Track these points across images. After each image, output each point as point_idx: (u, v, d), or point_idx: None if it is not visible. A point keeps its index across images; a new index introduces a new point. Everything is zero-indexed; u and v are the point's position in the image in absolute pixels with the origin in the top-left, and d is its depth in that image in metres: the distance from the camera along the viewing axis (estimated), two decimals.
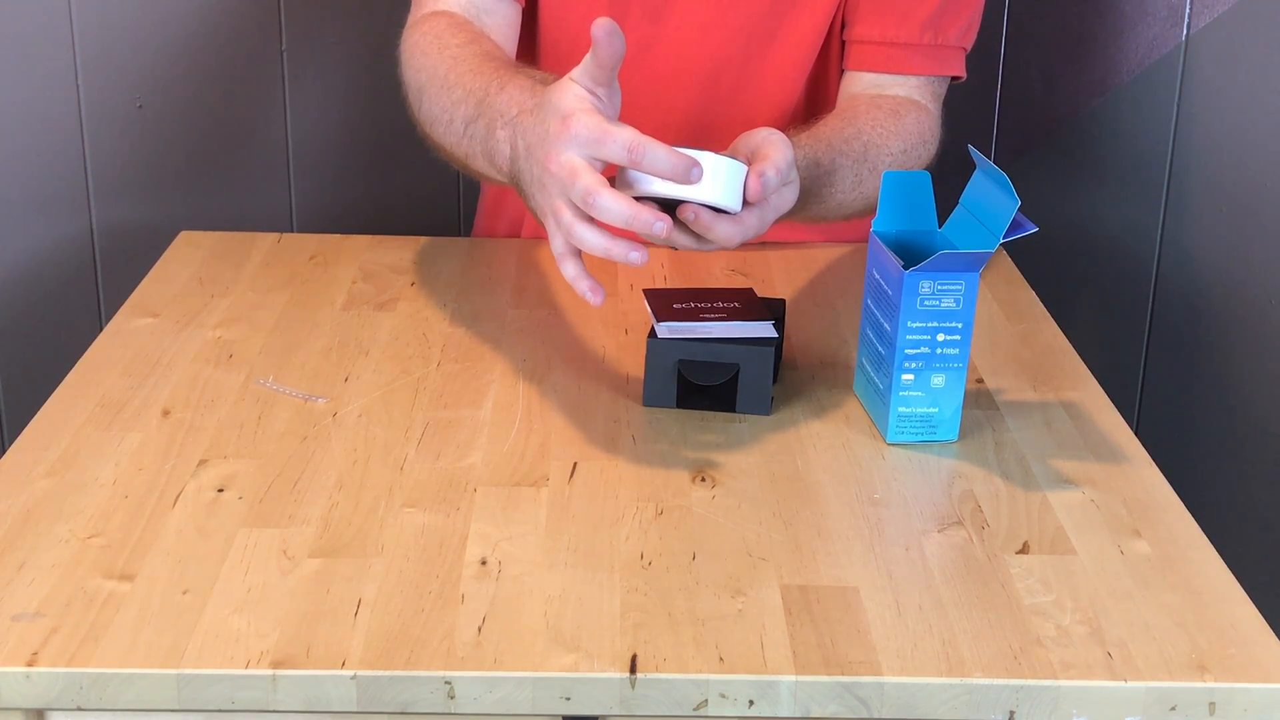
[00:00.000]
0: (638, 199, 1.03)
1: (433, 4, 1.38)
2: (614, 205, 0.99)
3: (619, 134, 1.00)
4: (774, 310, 1.21)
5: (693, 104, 1.44)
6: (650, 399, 1.17)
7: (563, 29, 1.43)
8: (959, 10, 1.41)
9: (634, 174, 1.03)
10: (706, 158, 1.03)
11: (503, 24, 1.39)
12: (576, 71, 1.03)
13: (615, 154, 1.00)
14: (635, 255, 1.01)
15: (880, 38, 1.41)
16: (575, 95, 1.03)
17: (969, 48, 1.44)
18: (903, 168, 1.34)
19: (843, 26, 1.43)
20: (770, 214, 1.09)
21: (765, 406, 1.16)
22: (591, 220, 1.01)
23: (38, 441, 1.10)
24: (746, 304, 1.20)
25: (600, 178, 1.00)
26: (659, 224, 0.99)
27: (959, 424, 1.13)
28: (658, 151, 1.00)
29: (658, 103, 1.43)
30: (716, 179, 1.03)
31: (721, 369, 1.15)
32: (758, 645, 0.89)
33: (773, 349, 1.16)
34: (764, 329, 1.17)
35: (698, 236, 1.07)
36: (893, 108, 1.37)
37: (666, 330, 1.16)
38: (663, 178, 1.01)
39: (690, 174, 1.01)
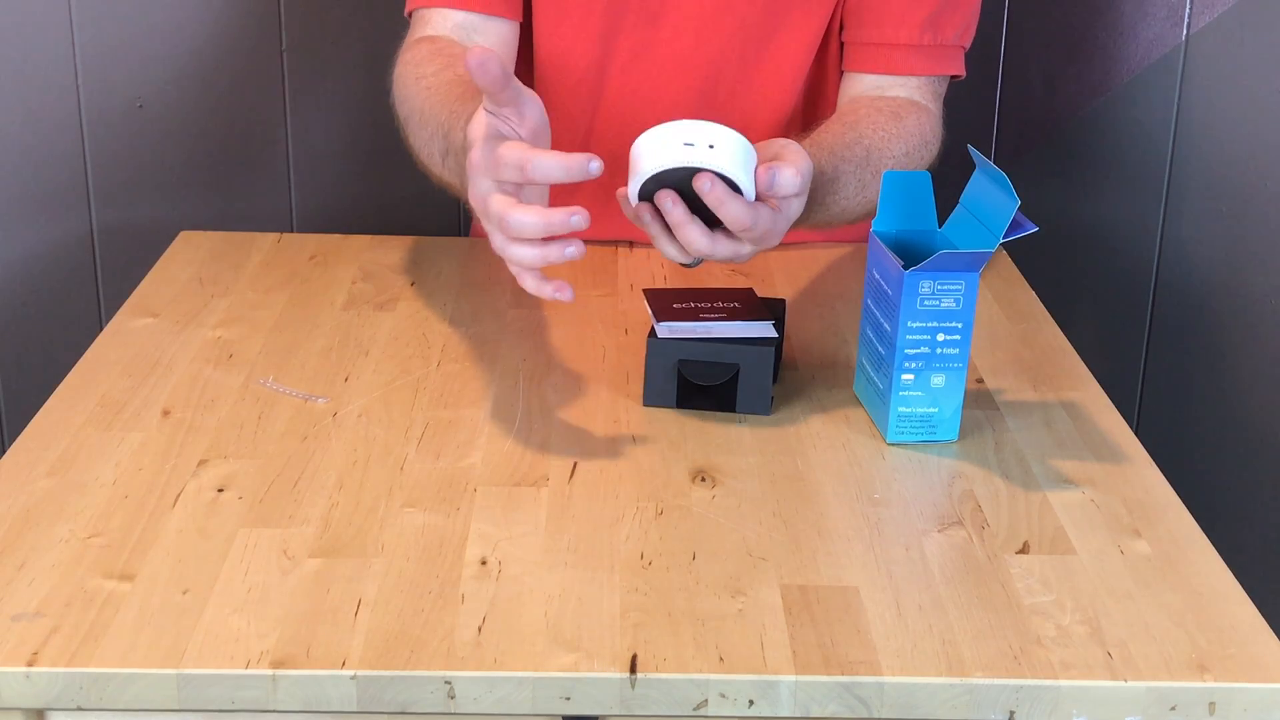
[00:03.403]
0: (653, 182, 1.04)
1: (422, 30, 1.38)
2: (525, 218, 0.99)
3: (507, 155, 1.00)
4: (774, 310, 1.21)
5: (690, 107, 1.44)
6: (650, 399, 1.17)
7: (557, 40, 1.42)
8: (957, 9, 1.41)
9: (636, 157, 1.03)
10: (721, 130, 1.03)
11: (496, 42, 1.39)
12: (485, 99, 1.03)
13: (510, 175, 1.00)
14: (571, 250, 1.01)
15: (879, 39, 1.41)
16: (477, 124, 1.03)
17: (968, 46, 1.44)
18: (905, 170, 1.34)
19: (841, 28, 1.43)
20: (783, 223, 1.09)
21: (765, 406, 1.16)
22: (519, 239, 1.01)
23: (38, 441, 1.10)
24: (746, 304, 1.20)
25: (508, 200, 1.00)
26: (575, 217, 0.99)
27: (959, 424, 1.13)
28: (545, 160, 0.99)
29: (655, 107, 1.42)
30: (731, 150, 1.04)
31: (721, 369, 1.15)
32: (758, 645, 0.89)
33: (773, 349, 1.16)
34: (764, 329, 1.17)
35: (710, 239, 1.06)
36: (893, 110, 1.37)
37: (666, 330, 1.16)
38: (561, 181, 1.00)
39: (588, 168, 0.98)
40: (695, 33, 1.41)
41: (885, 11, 1.40)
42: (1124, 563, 0.99)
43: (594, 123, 1.45)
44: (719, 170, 1.03)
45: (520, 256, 1.02)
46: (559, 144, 1.08)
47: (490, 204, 1.01)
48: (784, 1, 1.40)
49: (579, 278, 1.36)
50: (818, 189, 1.24)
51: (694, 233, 1.07)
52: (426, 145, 1.24)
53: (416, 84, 1.28)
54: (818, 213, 1.26)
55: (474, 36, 1.37)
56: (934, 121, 1.41)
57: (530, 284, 1.04)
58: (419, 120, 1.26)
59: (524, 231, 1.00)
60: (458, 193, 1.25)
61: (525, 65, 1.46)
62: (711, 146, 1.03)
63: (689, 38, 1.42)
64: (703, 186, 1.03)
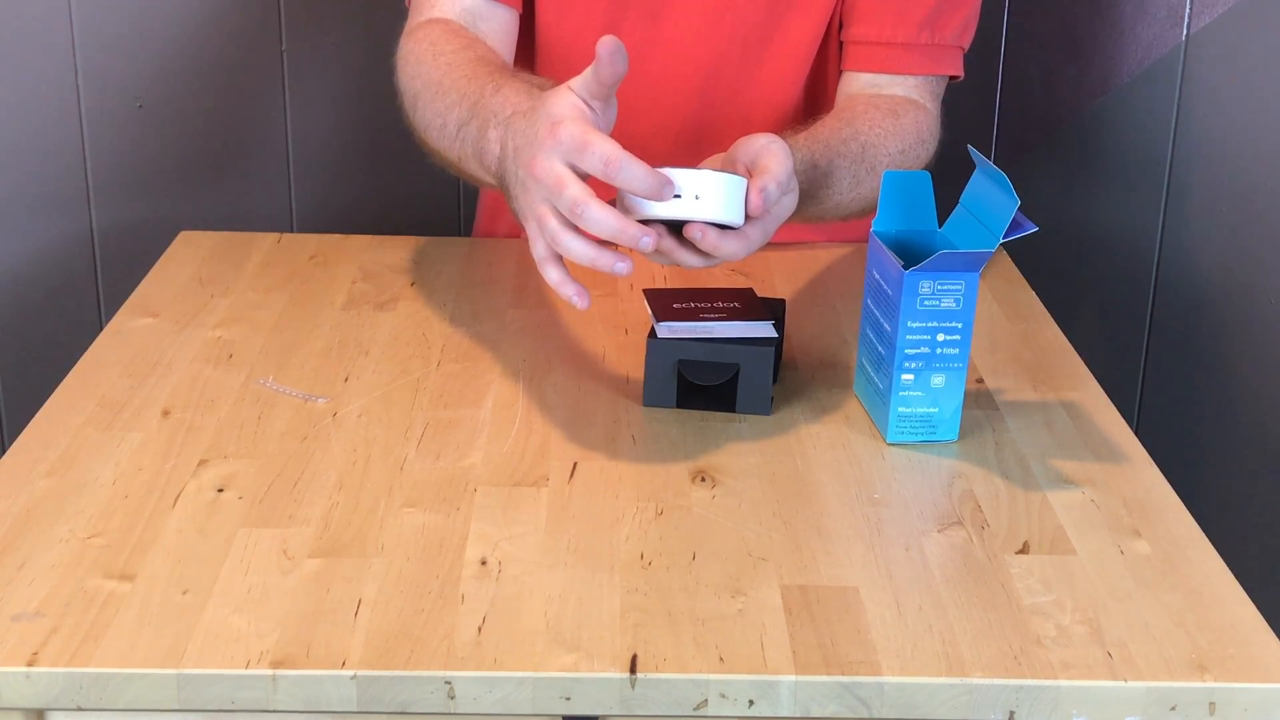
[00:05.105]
0: (642, 222, 1.03)
1: (429, 11, 1.38)
2: (603, 217, 0.99)
3: (599, 146, 0.99)
4: (774, 310, 1.21)
5: (690, 106, 1.44)
6: (650, 399, 1.17)
7: (559, 35, 1.43)
8: (956, 9, 1.41)
9: (634, 198, 1.02)
10: (706, 176, 1.02)
11: (499, 30, 1.39)
12: (576, 81, 1.03)
13: (593, 165, 1.00)
14: (621, 265, 1.01)
15: (878, 38, 1.41)
16: (569, 103, 1.03)
17: (967, 47, 1.44)
18: (901, 168, 1.34)
19: (840, 27, 1.43)
20: (772, 224, 1.09)
21: (765, 406, 1.16)
22: (577, 229, 1.01)
23: (38, 441, 1.10)
24: (746, 304, 1.20)
25: (587, 189, 1.00)
26: (646, 239, 1.00)
27: (959, 424, 1.13)
28: (634, 168, 0.99)
29: (655, 105, 1.43)
30: (718, 197, 1.03)
31: (721, 369, 1.15)
32: (758, 645, 0.89)
33: (773, 349, 1.16)
34: (764, 329, 1.17)
35: (704, 254, 1.07)
36: (891, 108, 1.37)
37: (666, 330, 1.16)
38: (638, 195, 1.01)
39: (663, 192, 1.00)
40: (696, 31, 1.41)
41: (884, 10, 1.40)
42: (1124, 563, 0.99)
43: None
44: (706, 220, 1.04)
45: (572, 248, 1.01)
46: None
47: (568, 187, 1.00)
48: (785, 0, 1.40)
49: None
50: (812, 183, 1.24)
51: (686, 257, 1.07)
52: (439, 116, 1.23)
53: (435, 59, 1.28)
54: (811, 206, 1.26)
55: (478, 24, 1.37)
56: (931, 120, 1.41)
57: (554, 275, 1.04)
58: (434, 92, 1.25)
59: (595, 228, 1.00)
60: (456, 166, 1.24)
61: (527, 61, 1.46)
62: (697, 197, 1.03)
63: (689, 37, 1.42)
64: (694, 235, 1.04)
